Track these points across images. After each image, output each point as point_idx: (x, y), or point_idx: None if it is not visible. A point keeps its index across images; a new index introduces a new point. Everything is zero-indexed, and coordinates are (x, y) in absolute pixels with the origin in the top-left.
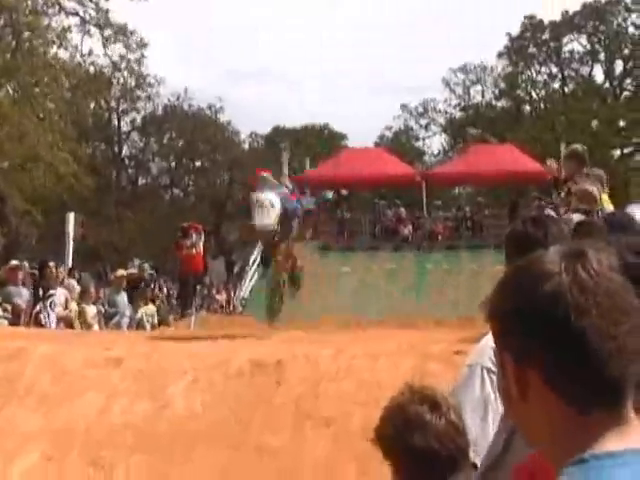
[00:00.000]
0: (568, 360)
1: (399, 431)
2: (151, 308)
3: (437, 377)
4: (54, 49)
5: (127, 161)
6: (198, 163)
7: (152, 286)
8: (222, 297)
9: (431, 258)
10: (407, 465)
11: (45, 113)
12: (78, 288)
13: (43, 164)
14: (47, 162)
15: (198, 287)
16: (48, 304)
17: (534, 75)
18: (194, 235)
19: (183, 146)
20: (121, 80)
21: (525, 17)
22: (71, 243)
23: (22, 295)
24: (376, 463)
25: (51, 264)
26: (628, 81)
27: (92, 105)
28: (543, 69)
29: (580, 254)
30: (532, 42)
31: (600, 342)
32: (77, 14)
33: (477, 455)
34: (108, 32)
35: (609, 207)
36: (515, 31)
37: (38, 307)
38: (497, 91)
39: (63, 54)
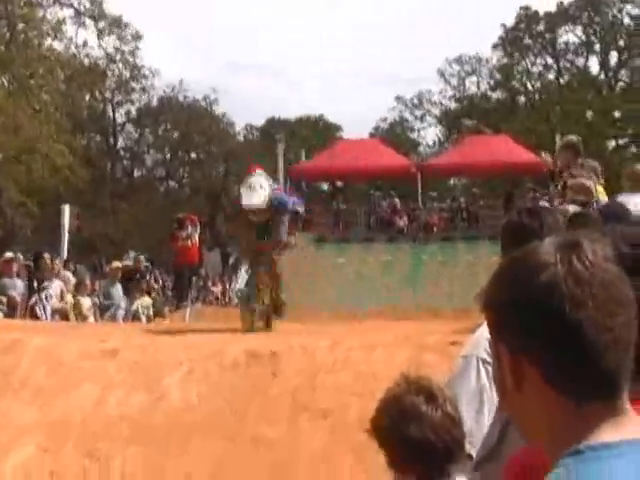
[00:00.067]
0: (564, 352)
1: (395, 422)
2: (147, 300)
3: (432, 368)
4: (49, 41)
5: (122, 153)
6: (193, 155)
7: (147, 278)
8: (217, 289)
9: (426, 249)
10: (403, 456)
11: (41, 105)
12: (73, 280)
13: (39, 156)
14: (43, 154)
15: (193, 279)
16: (43, 296)
17: (529, 66)
18: (189, 227)
19: (178, 138)
20: (116, 72)
21: (520, 8)
22: (66, 235)
23: (17, 287)
24: (372, 454)
25: (46, 256)
26: (623, 72)
27: (87, 97)
28: (538, 60)
29: (575, 245)
30: (527, 33)
31: (596, 334)
32: (72, 6)
33: (472, 446)
34: (102, 24)
35: (604, 198)
36: (510, 22)
37: (33, 299)
38: (492, 82)
39: (58, 46)
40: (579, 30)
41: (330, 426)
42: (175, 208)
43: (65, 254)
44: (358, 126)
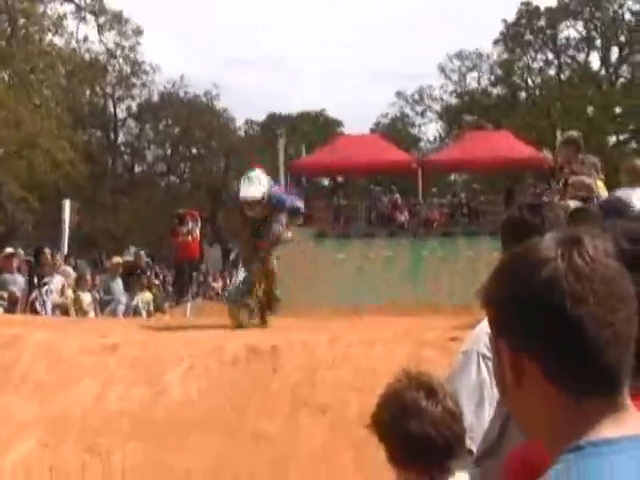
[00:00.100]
0: (564, 348)
1: (395, 417)
2: (147, 295)
3: (432, 364)
4: (49, 36)
5: (123, 148)
6: (194, 150)
7: (148, 274)
8: (218, 284)
9: (427, 245)
10: (403, 451)
11: (41, 100)
12: (74, 275)
13: (41, 151)
14: (44, 149)
15: (194, 274)
16: (44, 291)
17: (530, 62)
18: (190, 222)
19: (179, 133)
20: (116, 67)
21: (521, 3)
22: (67, 230)
23: (17, 282)
24: (372, 450)
25: (47, 251)
26: (624, 68)
27: (88, 92)
28: (539, 56)
29: (576, 240)
30: (528, 29)
31: (597, 330)
32: (72, 1)
33: (473, 441)
34: (103, 19)
35: (604, 193)
36: (511, 17)
37: (34, 294)
38: (493, 78)
39: (58, 41)
40: (580, 26)
41: (330, 422)
42: (176, 203)
43: (66, 249)
44: (359, 121)
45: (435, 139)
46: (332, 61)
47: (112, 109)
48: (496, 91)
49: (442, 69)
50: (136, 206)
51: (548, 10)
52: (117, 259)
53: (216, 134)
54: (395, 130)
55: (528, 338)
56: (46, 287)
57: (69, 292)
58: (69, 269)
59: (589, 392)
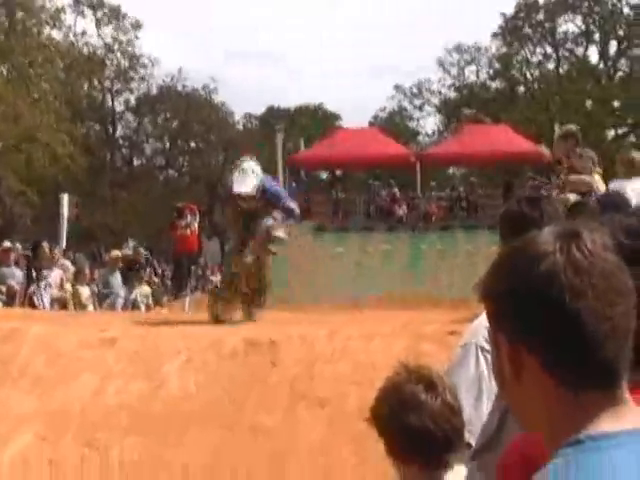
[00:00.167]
0: (563, 341)
1: (394, 411)
2: (146, 289)
3: (431, 357)
4: (48, 29)
5: (121, 142)
6: (192, 144)
7: (148, 270)
8: (216, 278)
9: (426, 239)
10: (402, 445)
11: (40, 94)
12: (72, 269)
13: (40, 145)
14: (44, 143)
15: (192, 268)
16: (42, 285)
17: (528, 55)
18: (189, 216)
19: (177, 127)
20: (115, 61)
21: None
22: (65, 224)
23: (15, 276)
24: (371, 444)
25: (45, 245)
26: (622, 61)
27: (86, 86)
28: (538, 49)
29: (574, 234)
30: (527, 22)
31: (596, 323)
32: None
33: (471, 435)
34: (101, 13)
35: (602, 187)
36: (510, 11)
37: (32, 288)
38: (491, 71)
39: (56, 35)
40: (579, 19)
41: (329, 415)
42: (174, 197)
43: (64, 243)
44: (357, 115)
45: (434, 133)
46: (331, 55)
47: (110, 102)
48: (495, 85)
49: (441, 63)
50: (135, 200)
51: (547, 4)
52: (116, 253)
53: (215, 128)
54: (393, 124)
55: (527, 332)
56: (44, 281)
57: (68, 286)
58: (68, 263)
59: (588, 386)
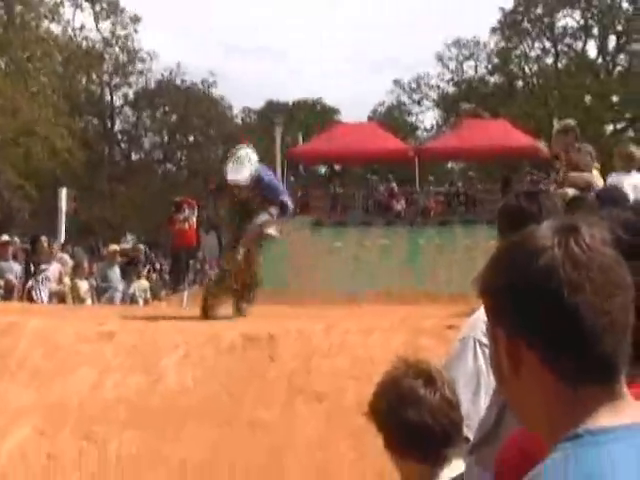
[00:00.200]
0: (561, 336)
1: (393, 406)
2: (144, 283)
3: (429, 352)
4: (46, 23)
5: (120, 136)
6: (191, 138)
7: (147, 267)
8: (215, 272)
9: (424, 233)
10: (400, 439)
11: (39, 87)
12: (71, 263)
13: (39, 139)
14: (42, 136)
15: (191, 262)
16: (40, 280)
17: (527, 50)
18: (187, 210)
19: (176, 121)
20: (113, 55)
21: None
22: (63, 218)
23: (13, 270)
24: (369, 438)
25: (43, 239)
26: (621, 56)
27: (84, 80)
28: (536, 44)
29: (573, 229)
30: (525, 17)
31: (594, 318)
32: None
33: (469, 429)
34: (99, 7)
35: (600, 182)
36: (509, 6)
37: (30, 283)
38: (490, 66)
39: (55, 28)
40: (577, 14)
41: (327, 410)
42: (173, 191)
43: (62, 237)
44: (356, 110)
45: (432, 127)
46: (330, 50)
47: (109, 97)
48: (493, 79)
49: (440, 57)
50: (133, 194)
51: None
52: (114, 247)
53: (214, 122)
54: (392, 118)
55: (525, 326)
56: (42, 275)
57: (66, 280)
58: (66, 257)
59: (586, 380)
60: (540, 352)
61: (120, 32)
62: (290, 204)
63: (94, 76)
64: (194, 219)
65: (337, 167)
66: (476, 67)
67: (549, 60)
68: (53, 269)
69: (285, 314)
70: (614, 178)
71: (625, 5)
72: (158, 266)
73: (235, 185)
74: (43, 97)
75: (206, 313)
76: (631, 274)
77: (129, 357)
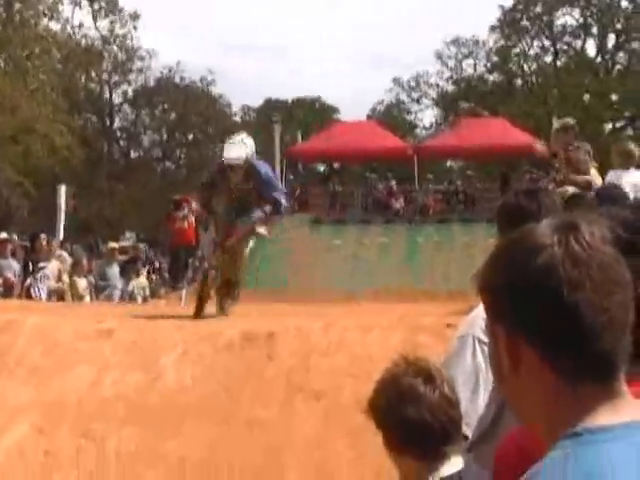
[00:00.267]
0: (561, 334)
1: (392, 403)
2: (142, 281)
3: (428, 350)
4: (45, 21)
5: (119, 134)
6: (190, 136)
7: (147, 267)
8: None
9: (423, 232)
10: (399, 437)
11: (38, 85)
12: (70, 260)
13: (38, 136)
14: (42, 134)
15: (190, 260)
16: (39, 277)
17: (526, 49)
18: (186, 208)
19: (175, 119)
20: (112, 53)
21: None
22: (62, 216)
23: (12, 268)
24: (367, 436)
25: (42, 236)
26: (620, 55)
27: (83, 77)
28: (535, 43)
29: (572, 226)
30: (525, 15)
31: (593, 315)
32: None
33: (468, 427)
34: (97, 6)
35: (598, 181)
36: (508, 4)
37: (29, 281)
38: (489, 64)
39: (54, 26)
40: (577, 12)
41: (325, 408)
42: (172, 189)
43: (61, 235)
44: (355, 108)
45: (431, 126)
46: (329, 48)
47: (108, 95)
48: (492, 78)
49: (439, 56)
50: (132, 191)
51: None
52: (113, 244)
53: (212, 120)
54: (391, 117)
55: (525, 324)
56: (41, 272)
57: (65, 277)
58: (65, 254)
59: (585, 378)
60: (540, 350)
61: (119, 31)
62: (284, 202)
63: (93, 74)
64: (193, 217)
65: (336, 165)
66: (475, 65)
67: (548, 58)
68: (52, 267)
69: (284, 312)
70: (612, 175)
71: (624, 3)
72: (157, 265)
73: (230, 165)
74: (42, 95)
75: (198, 312)
76: (630, 272)
77: (128, 355)
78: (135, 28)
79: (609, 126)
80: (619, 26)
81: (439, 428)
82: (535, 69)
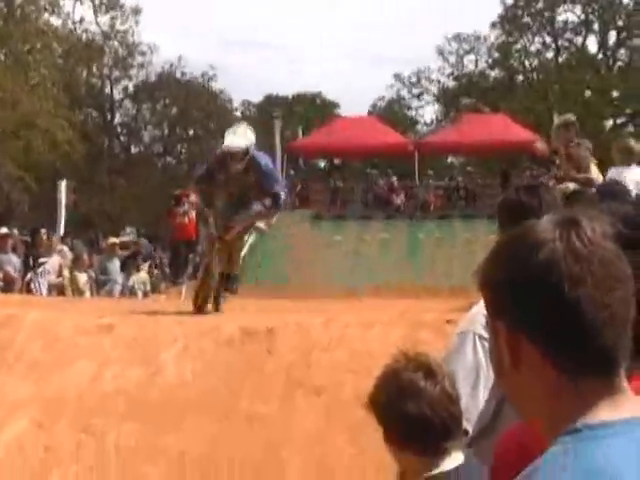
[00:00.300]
0: (562, 329)
1: (392, 398)
2: (143, 276)
3: (428, 346)
4: (46, 16)
5: (119, 129)
6: (191, 131)
7: (149, 262)
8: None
9: (424, 227)
10: (400, 432)
11: (40, 80)
12: (70, 255)
13: (39, 131)
14: (43, 129)
15: (190, 256)
16: (39, 272)
17: (527, 45)
18: (186, 203)
19: (176, 114)
20: (113, 49)
21: None
22: (63, 211)
23: (12, 262)
24: (367, 432)
25: (43, 231)
26: (622, 51)
27: (84, 72)
28: (537, 39)
29: (574, 222)
30: (526, 11)
31: (594, 311)
32: None
33: (468, 423)
34: (98, 1)
35: (599, 177)
36: (509, 0)
37: (29, 276)
38: (490, 60)
39: (55, 21)
40: (578, 9)
41: (325, 404)
42: (172, 184)
43: (62, 230)
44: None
45: (432, 122)
46: (330, 44)
47: (109, 89)
48: (493, 74)
49: (440, 51)
50: (133, 187)
51: None
52: (113, 239)
53: (213, 115)
54: (392, 112)
55: (526, 320)
56: (42, 267)
57: (66, 272)
58: (66, 249)
59: (586, 374)
60: (541, 346)
61: (120, 27)
62: (283, 196)
63: (94, 69)
64: (194, 213)
65: (337, 161)
66: (476, 61)
67: (549, 55)
68: (53, 262)
69: (284, 308)
70: (614, 172)
71: (626, 0)
72: (158, 259)
73: (231, 153)
74: (43, 90)
75: (198, 308)
76: (631, 268)
77: (128, 350)
78: (137, 23)
79: (610, 123)
80: (620, 23)
81: (440, 423)
82: (536, 65)
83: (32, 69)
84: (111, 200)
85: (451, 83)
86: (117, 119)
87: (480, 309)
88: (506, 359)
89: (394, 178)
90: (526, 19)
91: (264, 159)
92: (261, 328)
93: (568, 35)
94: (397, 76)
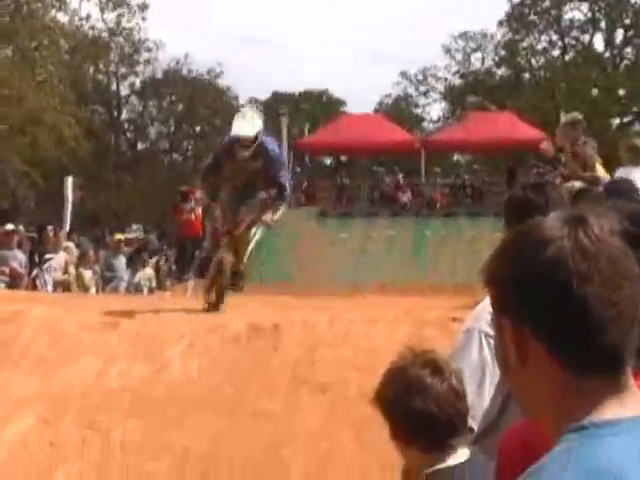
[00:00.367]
0: (569, 327)
1: (399, 395)
2: (149, 272)
3: (433, 343)
4: (53, 12)
5: (126, 125)
6: (197, 128)
7: (157, 258)
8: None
9: (430, 225)
10: (406, 428)
11: (46, 76)
12: (76, 252)
13: (45, 127)
14: (49, 125)
15: (196, 252)
16: (44, 269)
17: (534, 43)
18: (193, 200)
19: (183, 111)
20: (119, 45)
21: None
22: (69, 207)
23: (17, 258)
24: (373, 429)
25: (49, 228)
26: (628, 50)
27: (91, 69)
28: (543, 37)
29: (581, 220)
30: (533, 9)
31: (602, 309)
32: None
33: (474, 420)
34: None
35: (605, 176)
36: None
37: (35, 272)
38: (497, 58)
39: (62, 18)
40: (585, 7)
41: (330, 401)
42: (179, 181)
43: (68, 226)
44: (362, 101)
45: (439, 119)
46: (336, 42)
47: (115, 86)
48: (500, 72)
49: (447, 49)
50: (139, 183)
51: None
52: (119, 236)
53: (220, 112)
54: (398, 110)
55: (532, 317)
56: (47, 264)
57: (71, 269)
58: (72, 246)
59: (592, 371)
60: (547, 343)
61: (126, 24)
62: (288, 187)
63: (101, 65)
64: (200, 209)
65: (343, 158)
66: (483, 59)
67: (556, 53)
68: (59, 258)
69: (290, 305)
70: (622, 172)
71: None
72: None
73: (239, 142)
74: (50, 86)
75: (207, 305)
76: (638, 265)
77: (133, 346)
78: (144, 19)
79: (616, 121)
80: (627, 21)
81: (446, 420)
82: (543, 63)
83: (39, 65)
84: (117, 197)
85: (458, 81)
86: (123, 116)
87: (485, 307)
88: (512, 356)
89: (400, 176)
90: (533, 17)
91: (271, 144)
92: (267, 325)
93: (575, 33)
94: (404, 74)
